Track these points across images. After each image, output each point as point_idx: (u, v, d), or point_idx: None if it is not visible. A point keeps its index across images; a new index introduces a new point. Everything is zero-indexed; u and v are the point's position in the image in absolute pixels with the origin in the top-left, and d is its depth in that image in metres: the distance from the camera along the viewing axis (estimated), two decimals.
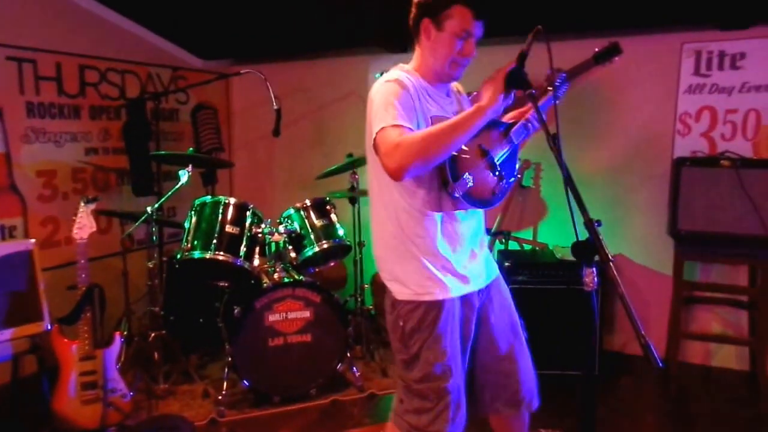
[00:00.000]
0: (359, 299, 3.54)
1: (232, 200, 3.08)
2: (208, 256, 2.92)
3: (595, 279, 1.48)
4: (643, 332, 1.29)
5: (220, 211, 3.01)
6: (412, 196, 1.72)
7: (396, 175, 1.56)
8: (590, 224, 1.45)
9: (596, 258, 1.44)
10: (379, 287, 4.27)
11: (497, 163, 1.75)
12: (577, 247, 1.48)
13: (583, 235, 1.45)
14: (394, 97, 1.62)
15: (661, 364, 1.25)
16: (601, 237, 1.44)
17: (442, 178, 1.68)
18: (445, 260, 1.73)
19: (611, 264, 1.41)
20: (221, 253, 2.94)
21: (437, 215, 1.72)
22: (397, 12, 3.37)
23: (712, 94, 3.23)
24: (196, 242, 2.96)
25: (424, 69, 1.75)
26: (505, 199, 1.88)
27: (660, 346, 3.26)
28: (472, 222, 1.82)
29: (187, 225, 3.04)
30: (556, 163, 1.51)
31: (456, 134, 1.57)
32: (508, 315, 1.89)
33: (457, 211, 1.75)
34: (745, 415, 2.86)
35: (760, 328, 2.88)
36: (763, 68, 3.10)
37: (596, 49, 2.92)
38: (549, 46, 1.57)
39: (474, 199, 1.71)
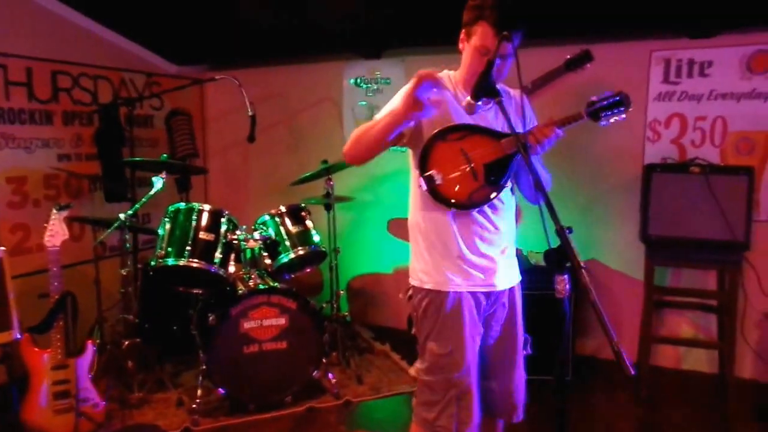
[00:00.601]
0: (335, 306, 3.53)
1: (207, 207, 3.06)
2: (182, 262, 2.90)
3: (567, 286, 1.50)
4: (615, 339, 1.31)
5: (194, 217, 2.99)
6: (422, 197, 1.82)
7: (345, 158, 1.82)
8: (561, 232, 1.47)
9: (569, 265, 1.45)
10: (354, 293, 4.28)
11: (481, 169, 1.75)
12: (549, 254, 1.50)
13: (556, 242, 1.46)
14: (400, 92, 1.77)
15: (633, 372, 1.27)
16: (572, 244, 1.46)
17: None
18: (454, 255, 1.79)
19: (583, 271, 1.43)
20: (195, 260, 2.91)
21: (441, 218, 1.79)
22: (371, 18, 3.44)
23: (682, 101, 3.30)
24: (170, 249, 2.94)
25: (460, 75, 1.83)
26: (486, 204, 1.82)
27: (632, 349, 3.30)
28: (493, 224, 1.82)
29: (161, 232, 3.01)
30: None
31: (375, 134, 1.72)
32: (511, 327, 1.89)
33: (475, 212, 1.79)
34: (715, 417, 2.92)
35: (728, 331, 2.94)
36: (729, 76, 3.18)
37: (568, 56, 2.99)
38: (516, 54, 1.65)
39: (442, 197, 1.75)
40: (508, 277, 1.88)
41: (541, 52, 2.98)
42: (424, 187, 1.74)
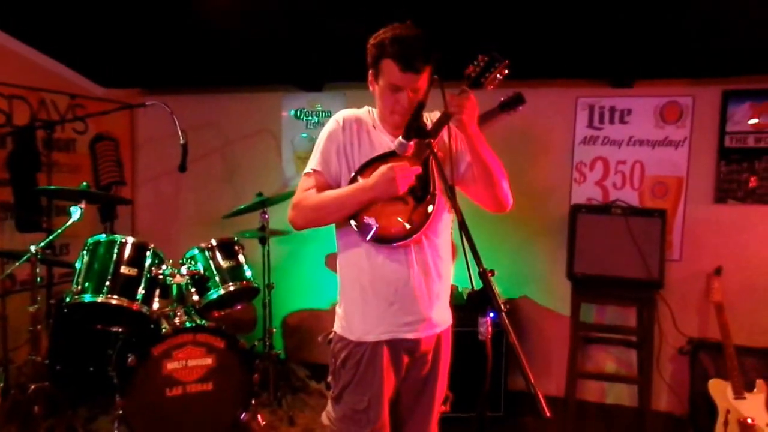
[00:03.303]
0: (267, 343, 3.46)
1: (130, 239, 2.94)
2: (100, 299, 2.77)
3: (489, 329, 1.55)
4: (532, 381, 1.36)
5: (116, 250, 2.87)
6: (345, 235, 1.79)
7: (292, 227, 1.79)
8: (484, 275, 1.50)
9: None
10: (290, 329, 4.21)
11: (405, 192, 1.69)
12: (471, 297, 1.55)
13: (479, 284, 1.50)
14: (323, 139, 1.80)
15: (548, 414, 1.30)
16: (494, 287, 1.51)
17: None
18: (376, 301, 1.74)
19: (503, 314, 1.48)
20: (115, 296, 2.79)
21: (366, 256, 1.75)
22: (311, 50, 3.49)
23: (605, 145, 3.54)
24: (87, 284, 2.81)
25: (378, 112, 1.83)
26: (433, 221, 1.74)
27: (561, 384, 3.44)
28: (423, 265, 1.75)
29: (78, 265, 2.87)
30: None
31: (341, 210, 1.72)
32: (432, 382, 1.83)
33: (401, 252, 1.73)
34: None
35: (646, 366, 3.12)
36: (645, 123, 3.45)
37: (501, 99, 3.15)
38: (444, 94, 1.68)
39: (390, 238, 1.70)
40: (435, 324, 1.80)
41: (474, 93, 3.12)
42: (367, 238, 1.70)
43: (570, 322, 3.27)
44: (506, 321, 1.44)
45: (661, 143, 3.42)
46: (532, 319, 3.65)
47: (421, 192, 1.71)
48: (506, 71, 1.69)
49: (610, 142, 3.53)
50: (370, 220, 1.70)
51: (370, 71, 1.76)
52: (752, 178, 3.29)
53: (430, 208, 1.71)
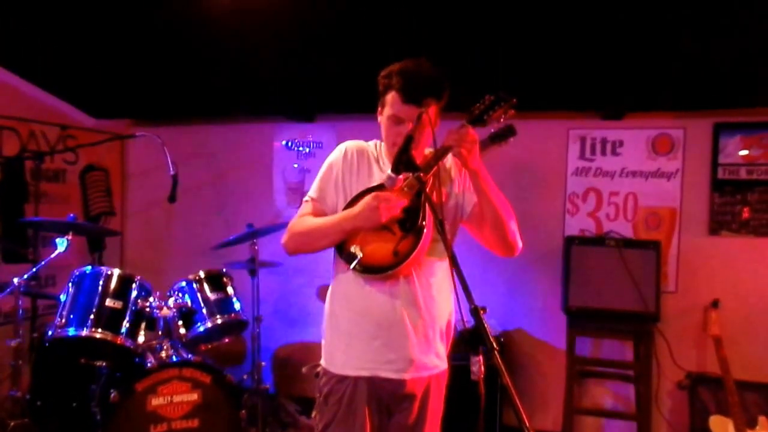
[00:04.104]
0: (256, 377, 3.39)
1: (116, 271, 2.92)
2: (84, 333, 2.73)
3: (482, 368, 1.51)
4: (527, 425, 1.32)
5: (101, 283, 2.84)
6: (337, 263, 1.80)
7: (284, 250, 1.81)
8: (476, 312, 1.47)
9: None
10: (281, 363, 4.13)
11: (393, 222, 1.67)
12: (463, 336, 1.51)
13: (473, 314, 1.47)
14: (324, 167, 1.84)
15: None
16: (486, 324, 1.47)
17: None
18: (358, 335, 1.72)
19: (496, 353, 1.43)
20: (99, 330, 2.75)
21: (354, 287, 1.73)
22: (303, 81, 3.51)
23: (597, 177, 3.54)
24: (71, 317, 2.76)
25: (384, 146, 1.84)
26: (420, 252, 1.68)
27: (557, 420, 3.36)
28: (415, 301, 1.71)
29: (63, 298, 2.83)
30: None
31: (327, 237, 1.73)
32: (419, 427, 1.75)
33: (395, 287, 1.69)
34: None
35: (644, 401, 3.06)
36: (637, 155, 3.47)
37: (492, 130, 3.16)
38: (434, 131, 1.69)
39: (374, 267, 1.68)
40: (423, 366, 1.73)
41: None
42: (351, 267, 1.69)
43: (566, 355, 3.22)
44: (499, 361, 1.40)
45: (654, 174, 3.42)
46: (526, 352, 3.59)
47: (409, 224, 1.68)
48: (513, 111, 1.70)
49: (603, 174, 3.53)
50: (355, 249, 1.70)
51: (379, 102, 1.79)
52: (745, 209, 3.29)
53: (418, 242, 1.66)
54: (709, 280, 3.33)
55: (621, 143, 3.50)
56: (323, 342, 1.84)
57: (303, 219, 1.79)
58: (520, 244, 1.80)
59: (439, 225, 1.55)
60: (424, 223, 1.66)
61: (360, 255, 1.68)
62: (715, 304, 3.19)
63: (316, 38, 3.09)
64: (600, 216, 3.53)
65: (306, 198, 1.85)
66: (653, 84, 3.14)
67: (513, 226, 1.76)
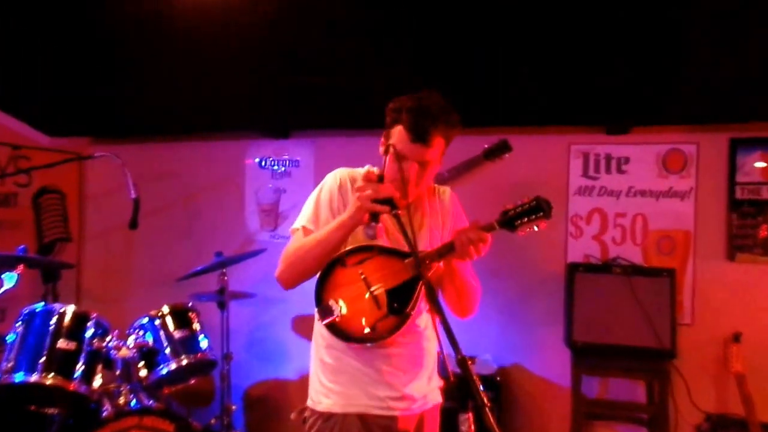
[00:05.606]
0: (225, 422, 3.31)
1: (70, 309, 2.86)
2: (32, 379, 2.67)
3: (471, 427, 1.45)
4: None
5: (53, 322, 2.79)
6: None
7: (279, 284, 1.80)
8: (464, 363, 1.43)
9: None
10: (253, 402, 4.04)
11: (383, 296, 1.71)
12: (450, 389, 1.47)
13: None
14: (317, 193, 1.86)
15: None
16: (476, 377, 1.42)
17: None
18: (346, 370, 1.76)
19: (487, 410, 1.38)
20: (50, 375, 2.69)
21: None
22: (276, 95, 3.47)
23: (602, 196, 3.49)
24: (19, 361, 2.71)
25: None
26: (395, 335, 1.73)
27: None
28: (403, 347, 1.78)
29: (10, 339, 2.78)
30: None
31: (318, 248, 1.71)
32: None
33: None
34: None
35: None
36: (646, 173, 3.41)
37: (486, 146, 3.12)
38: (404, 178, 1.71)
39: (344, 333, 1.70)
40: (415, 400, 1.80)
41: (458, 139, 3.11)
42: (322, 321, 1.70)
43: (570, 395, 3.15)
44: (492, 421, 1.35)
45: (665, 194, 3.37)
46: (526, 390, 3.52)
47: (398, 305, 1.71)
48: (544, 225, 1.75)
49: (608, 193, 3.48)
50: (334, 306, 1.70)
51: (384, 133, 1.81)
52: (764, 227, 3.25)
53: (398, 325, 1.70)
54: (729, 310, 3.26)
55: (627, 160, 3.45)
56: (310, 380, 1.86)
57: (296, 243, 1.79)
58: (473, 315, 1.87)
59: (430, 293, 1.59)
60: (411, 312, 1.70)
61: (338, 316, 1.70)
62: (736, 337, 3.12)
63: (290, 47, 3.06)
64: (606, 239, 3.48)
65: (296, 227, 1.83)
66: (662, 95, 3.10)
67: (474, 305, 1.85)
